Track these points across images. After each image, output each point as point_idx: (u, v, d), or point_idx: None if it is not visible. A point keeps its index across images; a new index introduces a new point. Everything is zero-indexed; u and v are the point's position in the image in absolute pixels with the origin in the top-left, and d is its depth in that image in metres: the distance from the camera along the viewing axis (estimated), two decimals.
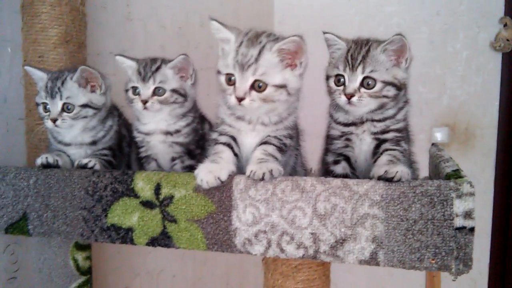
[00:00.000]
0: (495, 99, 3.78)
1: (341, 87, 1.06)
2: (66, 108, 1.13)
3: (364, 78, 1.04)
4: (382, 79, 1.04)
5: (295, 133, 1.12)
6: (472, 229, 0.85)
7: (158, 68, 1.13)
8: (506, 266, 2.77)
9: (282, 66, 1.00)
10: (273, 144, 1.03)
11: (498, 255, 2.81)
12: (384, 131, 1.08)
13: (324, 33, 1.14)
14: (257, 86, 0.97)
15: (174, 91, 1.14)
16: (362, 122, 1.09)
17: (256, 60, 0.96)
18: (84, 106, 1.16)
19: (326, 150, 1.15)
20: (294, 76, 1.01)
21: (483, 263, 2.93)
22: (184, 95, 1.16)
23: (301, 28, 4.60)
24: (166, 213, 1.00)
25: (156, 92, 1.12)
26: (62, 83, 1.13)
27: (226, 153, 1.02)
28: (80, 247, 1.35)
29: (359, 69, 1.04)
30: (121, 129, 1.26)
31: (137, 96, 1.13)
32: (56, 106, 1.13)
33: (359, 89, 1.04)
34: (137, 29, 2.11)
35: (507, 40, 3.55)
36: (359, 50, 1.06)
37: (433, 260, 0.86)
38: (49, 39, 1.26)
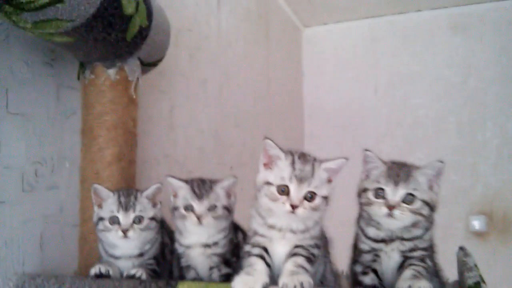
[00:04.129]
0: None
1: (382, 200, 1.15)
2: (137, 220, 1.27)
3: (407, 194, 1.14)
4: (422, 197, 1.14)
5: (322, 243, 1.21)
6: None
7: (211, 189, 1.28)
8: None
9: (326, 181, 1.15)
10: (302, 255, 1.13)
11: None
12: (411, 250, 1.16)
13: (365, 150, 1.23)
14: (308, 197, 1.11)
15: (224, 207, 1.29)
16: (392, 240, 1.17)
17: (312, 174, 1.12)
18: (152, 219, 1.31)
19: (355, 261, 1.23)
20: (331, 189, 1.16)
21: None
22: (231, 211, 1.30)
23: (330, 121, 4.80)
24: None
25: (210, 209, 1.26)
26: (136, 198, 1.28)
27: (260, 265, 1.12)
28: None
29: (402, 184, 1.14)
30: (164, 238, 1.38)
31: (191, 213, 1.26)
32: (128, 218, 1.26)
33: (399, 203, 1.13)
34: (179, 135, 2.33)
35: None
36: (400, 169, 1.17)
37: None
38: (105, 158, 1.44)
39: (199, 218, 1.24)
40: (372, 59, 4.44)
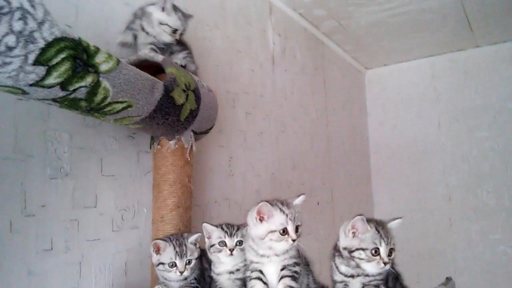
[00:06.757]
0: None
1: (377, 257, 1.45)
2: (188, 262, 1.73)
3: (390, 249, 1.47)
4: (395, 248, 1.48)
5: (301, 261, 1.60)
6: None
7: (238, 229, 1.73)
8: None
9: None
10: (288, 276, 1.53)
11: None
12: (370, 281, 1.49)
13: (358, 215, 1.49)
14: (296, 229, 1.53)
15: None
16: (358, 275, 1.50)
17: (296, 213, 1.54)
18: (197, 258, 1.76)
19: (333, 287, 1.58)
20: None
21: None
22: None
23: (395, 156, 4.99)
24: None
25: (238, 243, 1.70)
26: (186, 246, 1.74)
27: (259, 285, 1.55)
28: None
29: (389, 243, 1.46)
30: (204, 264, 1.83)
31: (224, 247, 1.70)
32: (183, 263, 1.72)
33: (388, 258, 1.46)
34: (237, 181, 2.78)
35: None
36: (384, 229, 1.49)
37: None
38: (168, 206, 1.94)
39: (231, 250, 1.68)
40: (434, 95, 4.61)
